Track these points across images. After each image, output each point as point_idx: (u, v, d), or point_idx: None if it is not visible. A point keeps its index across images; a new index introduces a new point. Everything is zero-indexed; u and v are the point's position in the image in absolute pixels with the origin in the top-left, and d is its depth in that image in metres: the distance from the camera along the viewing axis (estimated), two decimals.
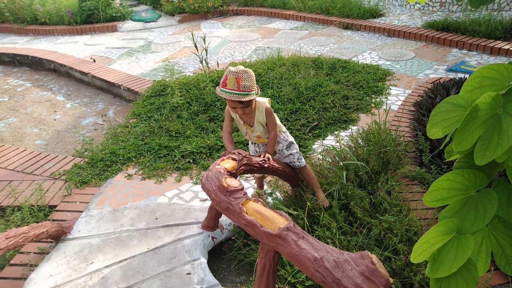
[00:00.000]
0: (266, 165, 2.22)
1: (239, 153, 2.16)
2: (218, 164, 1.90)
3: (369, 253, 1.19)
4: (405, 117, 3.75)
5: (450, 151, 1.13)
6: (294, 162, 2.49)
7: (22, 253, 2.52)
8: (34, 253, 2.51)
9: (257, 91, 2.12)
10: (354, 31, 7.08)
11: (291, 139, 2.50)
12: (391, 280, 1.15)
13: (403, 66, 5.24)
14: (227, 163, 1.98)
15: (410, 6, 7.94)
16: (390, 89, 4.52)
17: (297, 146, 2.52)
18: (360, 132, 3.32)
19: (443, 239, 0.93)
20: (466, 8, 7.14)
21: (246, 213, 1.49)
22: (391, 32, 6.64)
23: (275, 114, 2.34)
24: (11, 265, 2.42)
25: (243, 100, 2.03)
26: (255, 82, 2.12)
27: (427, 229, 2.36)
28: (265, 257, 1.45)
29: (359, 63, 5.28)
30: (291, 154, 2.47)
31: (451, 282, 0.96)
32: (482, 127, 0.88)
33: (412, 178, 2.87)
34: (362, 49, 6.04)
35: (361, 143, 3.18)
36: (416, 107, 3.83)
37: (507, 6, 7.03)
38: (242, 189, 1.64)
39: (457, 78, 4.18)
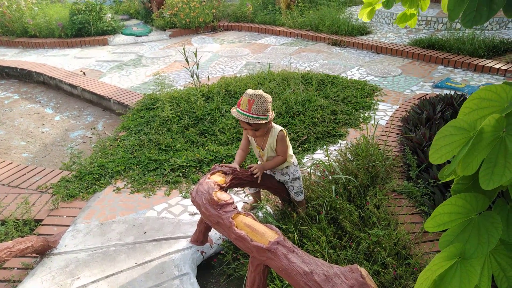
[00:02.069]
0: (255, 177, 2.24)
1: (228, 167, 2.17)
2: (208, 178, 1.90)
3: (358, 266, 1.20)
4: (392, 132, 3.81)
5: (446, 173, 1.12)
6: (291, 192, 2.53)
7: (5, 268, 2.46)
8: (18, 268, 2.45)
9: (270, 117, 2.17)
10: (342, 47, 7.22)
11: (299, 174, 2.54)
12: None
13: (391, 82, 5.34)
14: (217, 177, 1.98)
15: (397, 25, 8.13)
16: (378, 104, 4.59)
17: (301, 183, 2.55)
18: (349, 146, 3.36)
19: (445, 264, 0.89)
20: (450, 27, 7.35)
21: (237, 227, 1.49)
22: (378, 49, 6.79)
23: (289, 145, 2.38)
24: None
25: (251, 122, 2.10)
26: (270, 108, 2.18)
27: (416, 243, 2.39)
28: (255, 271, 1.44)
29: (348, 78, 5.37)
30: (292, 186, 2.51)
31: None
32: (486, 149, 0.86)
33: (400, 192, 2.91)
34: (351, 65, 6.15)
35: (350, 157, 3.22)
36: (404, 122, 3.90)
37: (489, 26, 7.26)
38: (232, 203, 1.65)
39: (443, 94, 4.27)
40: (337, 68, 6.01)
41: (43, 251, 2.42)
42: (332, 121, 4.07)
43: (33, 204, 3.07)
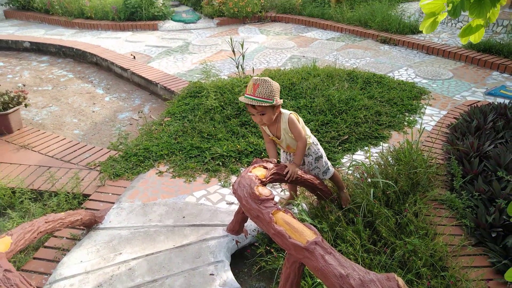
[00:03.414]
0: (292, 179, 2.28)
1: (269, 162, 2.22)
2: (250, 172, 1.95)
3: (395, 275, 1.21)
4: (439, 139, 3.69)
5: None
6: (318, 174, 2.54)
7: (55, 237, 2.66)
8: (67, 238, 2.65)
9: (276, 102, 2.19)
10: (391, 45, 7.01)
11: (321, 152, 2.55)
12: None
13: (440, 86, 5.15)
14: (258, 171, 2.03)
15: (452, 24, 7.77)
16: (425, 108, 4.45)
17: (325, 160, 2.57)
18: (391, 150, 3.29)
19: None
20: (511, 30, 6.93)
21: (276, 223, 1.53)
22: (429, 50, 6.53)
23: (305, 126, 2.40)
24: (45, 247, 2.56)
25: (255, 104, 2.14)
26: (276, 94, 2.21)
27: (453, 256, 2.33)
28: (290, 267, 1.49)
29: (395, 79, 5.22)
30: (317, 167, 2.53)
31: None
32: None
33: (441, 202, 2.83)
34: (399, 65, 5.97)
35: (391, 161, 3.16)
36: (451, 130, 3.76)
37: None
38: (273, 198, 1.69)
39: (496, 103, 4.07)
40: (384, 67, 5.86)
41: (90, 225, 2.59)
42: (375, 122, 4.00)
43: (82, 179, 3.27)
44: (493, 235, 2.45)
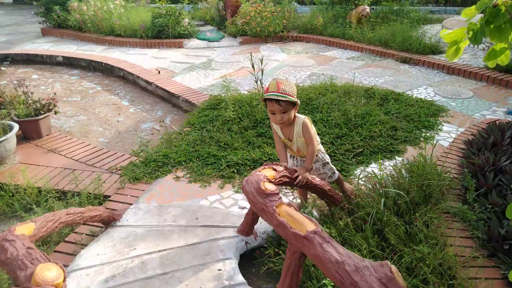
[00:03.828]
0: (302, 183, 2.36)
1: (279, 165, 2.30)
2: (259, 171, 2.04)
3: (389, 262, 1.26)
4: (454, 153, 3.68)
5: None
6: (325, 179, 2.66)
7: (76, 233, 2.80)
8: (86, 234, 2.78)
9: (297, 102, 2.29)
10: (412, 65, 7.04)
11: (328, 159, 2.69)
12: None
13: (460, 105, 5.13)
14: (268, 172, 2.11)
15: (474, 46, 7.74)
16: (443, 125, 4.44)
17: (331, 166, 2.69)
18: (405, 163, 3.31)
19: None
20: None
21: (279, 215, 1.61)
22: (450, 70, 6.53)
23: (316, 133, 2.49)
24: (66, 241, 2.70)
25: (280, 100, 2.22)
26: (296, 94, 2.33)
27: (463, 266, 2.31)
28: (291, 257, 1.55)
29: (413, 97, 5.24)
30: (325, 172, 2.64)
31: None
32: None
33: (453, 214, 2.82)
34: (418, 84, 5.99)
35: (405, 174, 3.17)
36: (467, 145, 3.75)
37: None
38: (278, 193, 1.77)
39: None
40: (403, 86, 5.89)
41: (108, 222, 2.71)
42: (390, 137, 4.03)
43: (104, 182, 3.43)
44: (505, 247, 2.42)
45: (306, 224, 1.50)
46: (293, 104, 2.33)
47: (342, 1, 9.86)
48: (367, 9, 8.72)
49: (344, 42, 8.46)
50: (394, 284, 1.20)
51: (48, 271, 1.35)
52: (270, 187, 1.80)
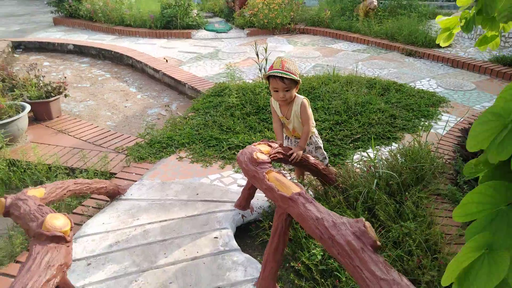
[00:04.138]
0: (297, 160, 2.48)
1: (275, 142, 2.43)
2: (255, 145, 2.17)
3: (363, 219, 1.38)
4: (450, 141, 3.77)
5: (474, 165, 1.07)
6: None
7: (83, 205, 2.96)
8: (93, 207, 2.94)
9: (299, 81, 2.42)
10: (416, 58, 7.09)
11: (321, 144, 2.79)
12: (378, 242, 1.33)
13: (461, 96, 5.19)
14: (263, 147, 2.24)
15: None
16: (442, 115, 4.52)
17: (323, 151, 2.81)
18: (400, 148, 3.41)
19: (472, 256, 0.82)
20: None
21: (268, 180, 1.73)
22: (454, 63, 6.57)
23: (311, 113, 2.59)
24: (73, 213, 2.87)
25: (284, 77, 2.33)
26: (298, 74, 2.44)
27: (448, 243, 2.43)
28: (279, 219, 1.67)
29: (415, 88, 5.31)
30: (316, 156, 2.76)
31: None
32: None
33: (443, 196, 2.92)
34: (422, 76, 6.05)
35: (399, 158, 3.28)
36: (463, 133, 3.83)
37: None
38: (269, 162, 1.90)
39: None
40: (406, 77, 5.95)
41: (114, 195, 2.87)
42: (389, 124, 4.13)
43: (111, 160, 3.59)
44: None
45: (292, 188, 1.63)
46: (296, 82, 2.45)
47: None
48: (375, 2, 8.75)
49: (351, 35, 8.51)
50: (367, 236, 1.32)
51: (56, 219, 1.49)
52: (262, 156, 1.92)
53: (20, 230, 2.73)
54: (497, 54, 6.53)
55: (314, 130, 2.77)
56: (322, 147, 2.85)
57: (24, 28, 10.21)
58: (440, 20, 2.25)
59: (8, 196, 1.87)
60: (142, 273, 2.05)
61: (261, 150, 2.09)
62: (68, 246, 1.44)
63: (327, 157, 2.91)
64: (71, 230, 1.51)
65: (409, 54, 7.26)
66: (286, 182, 1.68)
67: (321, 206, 1.51)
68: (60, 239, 1.42)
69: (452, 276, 0.83)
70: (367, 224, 1.35)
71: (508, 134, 0.86)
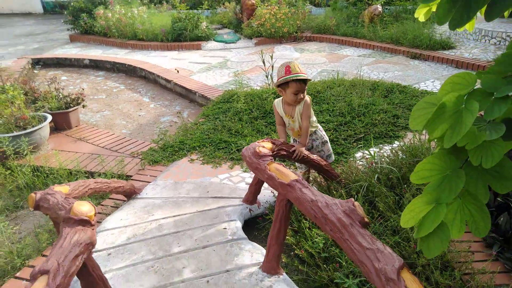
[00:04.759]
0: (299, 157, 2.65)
1: (278, 140, 2.61)
2: (258, 142, 2.36)
3: (353, 199, 1.54)
4: None
5: (430, 139, 1.37)
6: (322, 157, 2.91)
7: (102, 205, 3.18)
8: (111, 206, 3.16)
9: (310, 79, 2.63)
10: (421, 61, 7.21)
11: (326, 138, 2.93)
12: (366, 219, 1.49)
13: None
14: (266, 144, 2.42)
15: (486, 40, 7.83)
16: None
17: (329, 146, 2.94)
18: (402, 145, 3.55)
19: (426, 208, 1.11)
20: None
21: (269, 170, 1.91)
22: (459, 64, 6.67)
23: (312, 112, 2.77)
24: None
25: (307, 80, 2.56)
26: None
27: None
28: (279, 205, 1.84)
29: (419, 89, 5.44)
30: (322, 150, 2.90)
31: (429, 240, 1.15)
32: (450, 119, 1.08)
33: None
34: (426, 78, 6.17)
35: (401, 154, 3.42)
36: None
37: None
38: (270, 155, 2.08)
39: None
40: (410, 79, 6.08)
41: (130, 194, 3.08)
42: (392, 124, 4.27)
43: (126, 164, 3.82)
44: None
45: (291, 176, 1.80)
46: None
47: (356, 2, 10.08)
48: (379, 8, 8.92)
49: (356, 40, 8.69)
50: (356, 214, 1.48)
51: (82, 206, 1.69)
52: (264, 150, 2.11)
53: (46, 228, 2.96)
54: (501, 54, 6.59)
55: (318, 125, 2.92)
56: (329, 142, 2.99)
57: (42, 46, 10.68)
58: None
59: (38, 192, 2.09)
60: (158, 260, 2.23)
61: (263, 146, 2.27)
62: (93, 229, 1.64)
63: (332, 154, 3.06)
64: (95, 215, 1.71)
65: (414, 57, 7.39)
66: (285, 171, 1.85)
67: (316, 190, 1.68)
68: (86, 223, 1.62)
69: (411, 222, 1.13)
70: (356, 203, 1.52)
71: (435, 119, 1.08)
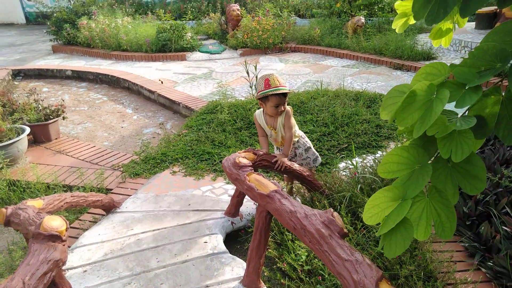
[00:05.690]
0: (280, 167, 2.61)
1: (259, 151, 2.58)
2: (239, 153, 2.32)
3: (332, 210, 1.52)
4: None
5: (397, 134, 1.35)
6: (309, 163, 2.89)
7: (80, 220, 3.09)
8: (89, 221, 3.07)
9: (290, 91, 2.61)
10: (404, 71, 7.32)
11: (309, 144, 2.91)
12: (345, 229, 1.47)
13: (447, 106, 5.36)
14: (248, 154, 2.39)
15: (465, 51, 8.01)
16: None
17: (313, 150, 2.93)
18: (384, 155, 3.56)
19: (392, 205, 1.07)
20: None
21: (248, 181, 1.87)
22: None
23: (294, 121, 2.76)
24: (72, 227, 2.99)
25: (286, 92, 2.52)
26: None
27: (426, 242, 2.54)
28: (259, 217, 1.81)
29: None
30: (308, 157, 2.87)
31: (392, 237, 1.12)
32: (421, 109, 1.06)
33: None
34: None
35: None
36: None
37: None
38: (250, 166, 2.04)
39: None
40: None
41: (109, 209, 3.00)
42: (374, 134, 4.29)
43: (107, 177, 3.74)
44: (467, 223, 2.65)
45: (270, 187, 1.77)
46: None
47: (340, 13, 10.23)
48: (362, 19, 9.06)
49: (340, 51, 8.79)
50: (334, 224, 1.45)
51: (53, 220, 1.63)
52: (243, 161, 2.07)
53: (20, 245, 2.85)
54: (475, 47, 6.74)
55: (300, 133, 2.91)
56: (312, 147, 2.98)
57: (24, 56, 10.51)
58: (398, 4, 2.36)
59: (9, 207, 2.01)
60: (135, 277, 2.16)
61: (244, 157, 2.24)
62: (64, 245, 1.57)
63: (318, 156, 3.04)
64: (66, 230, 1.64)
65: (397, 67, 7.50)
66: (265, 182, 1.82)
67: (295, 201, 1.65)
68: (56, 238, 1.55)
69: (375, 219, 1.09)
70: (335, 214, 1.49)
71: (405, 108, 1.05)
